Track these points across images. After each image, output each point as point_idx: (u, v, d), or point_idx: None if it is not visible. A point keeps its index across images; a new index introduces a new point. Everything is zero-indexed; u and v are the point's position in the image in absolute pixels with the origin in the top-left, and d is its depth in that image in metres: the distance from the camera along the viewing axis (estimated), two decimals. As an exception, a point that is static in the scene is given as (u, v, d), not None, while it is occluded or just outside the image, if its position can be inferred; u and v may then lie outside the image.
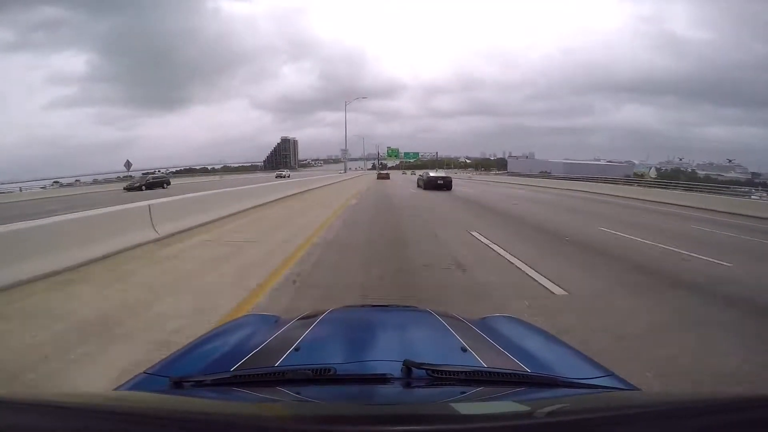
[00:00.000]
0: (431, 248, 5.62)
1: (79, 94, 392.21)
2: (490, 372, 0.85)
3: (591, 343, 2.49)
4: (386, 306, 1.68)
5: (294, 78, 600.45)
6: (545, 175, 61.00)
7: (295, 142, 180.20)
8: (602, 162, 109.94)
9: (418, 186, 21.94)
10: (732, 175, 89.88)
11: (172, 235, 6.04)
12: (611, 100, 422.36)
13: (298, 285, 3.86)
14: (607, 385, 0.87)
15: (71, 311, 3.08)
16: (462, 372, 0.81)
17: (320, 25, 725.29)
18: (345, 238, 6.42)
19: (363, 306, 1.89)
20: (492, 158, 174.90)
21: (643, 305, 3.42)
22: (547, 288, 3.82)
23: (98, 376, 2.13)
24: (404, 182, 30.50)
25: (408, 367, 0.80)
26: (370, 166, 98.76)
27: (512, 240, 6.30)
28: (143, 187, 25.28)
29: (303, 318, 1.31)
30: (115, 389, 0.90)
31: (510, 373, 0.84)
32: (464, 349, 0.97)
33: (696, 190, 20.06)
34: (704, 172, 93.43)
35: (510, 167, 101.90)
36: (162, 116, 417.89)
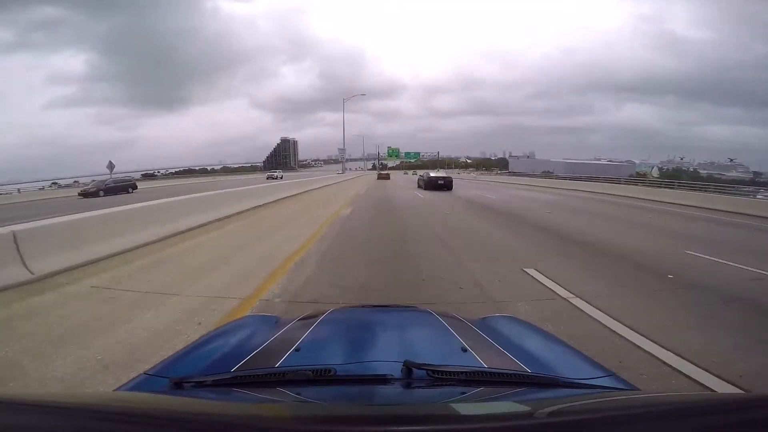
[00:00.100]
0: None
1: (79, 94, 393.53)
2: (490, 372, 0.85)
3: None
4: (386, 306, 1.68)
5: (294, 78, 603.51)
6: (548, 175, 60.96)
7: (294, 143, 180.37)
8: (603, 161, 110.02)
9: (419, 186, 21.86)
10: (734, 174, 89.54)
11: (59, 273, 4.14)
12: (611, 99, 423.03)
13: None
14: (608, 386, 0.87)
15: None
16: (462, 372, 0.81)
17: (320, 25, 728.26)
18: (320, 290, 3.76)
19: (363, 306, 1.89)
20: (492, 158, 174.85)
21: None
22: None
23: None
24: (406, 183, 29.73)
25: (408, 367, 0.79)
26: (370, 166, 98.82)
27: (595, 284, 4.02)
28: (101, 193, 21.81)
29: (303, 318, 1.31)
30: (116, 390, 0.91)
31: (510, 374, 0.84)
32: (464, 350, 0.97)
33: (705, 190, 19.70)
34: (706, 172, 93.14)
35: (511, 167, 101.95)
36: (162, 116, 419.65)
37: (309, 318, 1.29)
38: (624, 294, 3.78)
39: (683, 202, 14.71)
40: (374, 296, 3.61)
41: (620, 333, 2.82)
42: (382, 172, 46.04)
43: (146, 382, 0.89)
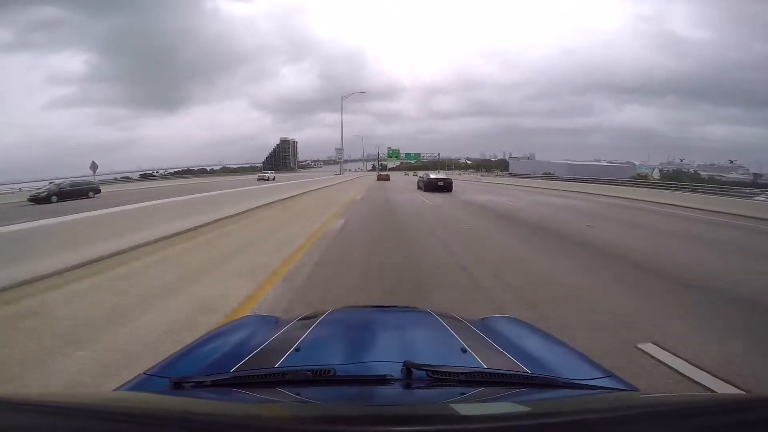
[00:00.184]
0: None
1: (79, 94, 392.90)
2: (490, 373, 0.85)
3: None
4: (386, 307, 1.67)
5: (294, 78, 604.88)
6: (549, 176, 60.82)
7: (294, 143, 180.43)
8: (603, 163, 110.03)
9: (419, 188, 21.89)
10: (734, 176, 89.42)
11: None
12: (611, 100, 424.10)
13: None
14: (607, 386, 0.87)
15: None
16: (462, 373, 0.81)
17: (320, 25, 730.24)
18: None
19: (363, 307, 1.89)
20: (492, 159, 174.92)
21: None
22: None
23: None
24: (406, 185, 28.99)
25: (408, 368, 0.80)
26: (370, 167, 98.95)
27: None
28: (54, 198, 19.47)
29: (303, 319, 1.31)
30: (115, 390, 0.91)
31: (510, 374, 0.84)
32: (464, 350, 0.97)
33: (708, 193, 19.40)
34: (707, 173, 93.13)
35: (512, 168, 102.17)
36: (162, 116, 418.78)
37: (309, 318, 1.29)
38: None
39: (704, 207, 12.70)
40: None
41: None
42: (382, 174, 46.03)
43: (146, 382, 0.89)
